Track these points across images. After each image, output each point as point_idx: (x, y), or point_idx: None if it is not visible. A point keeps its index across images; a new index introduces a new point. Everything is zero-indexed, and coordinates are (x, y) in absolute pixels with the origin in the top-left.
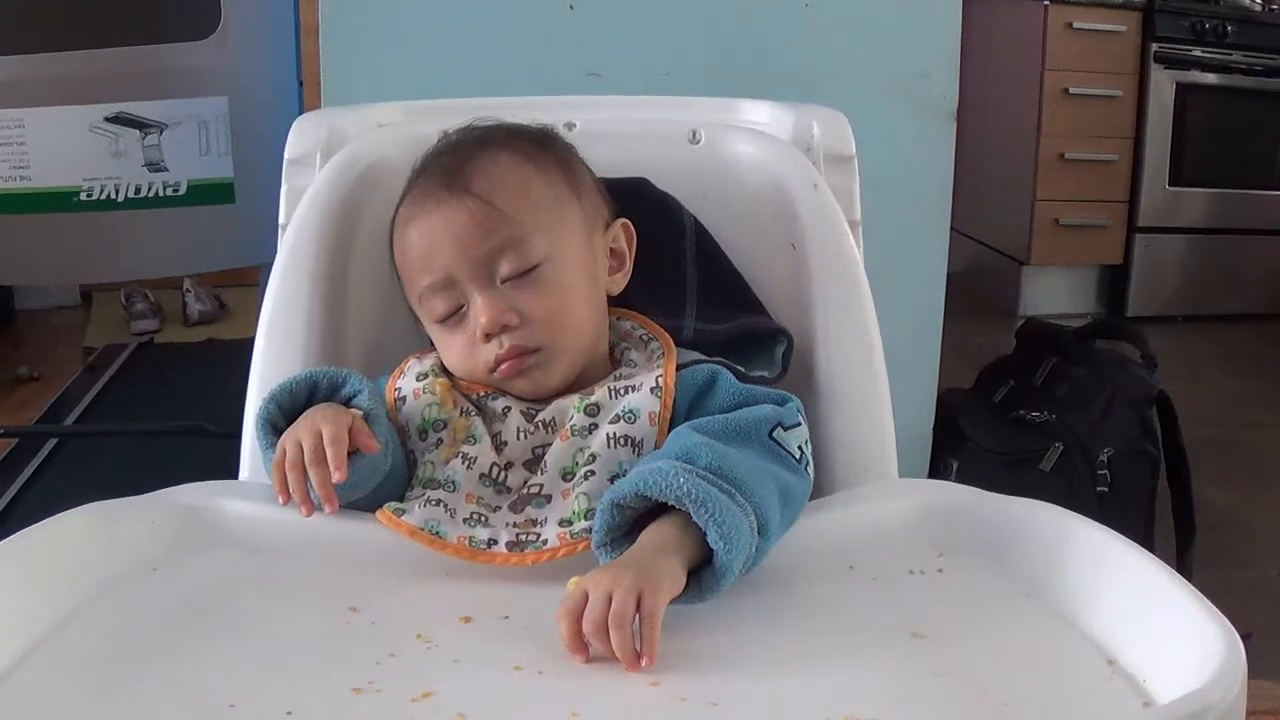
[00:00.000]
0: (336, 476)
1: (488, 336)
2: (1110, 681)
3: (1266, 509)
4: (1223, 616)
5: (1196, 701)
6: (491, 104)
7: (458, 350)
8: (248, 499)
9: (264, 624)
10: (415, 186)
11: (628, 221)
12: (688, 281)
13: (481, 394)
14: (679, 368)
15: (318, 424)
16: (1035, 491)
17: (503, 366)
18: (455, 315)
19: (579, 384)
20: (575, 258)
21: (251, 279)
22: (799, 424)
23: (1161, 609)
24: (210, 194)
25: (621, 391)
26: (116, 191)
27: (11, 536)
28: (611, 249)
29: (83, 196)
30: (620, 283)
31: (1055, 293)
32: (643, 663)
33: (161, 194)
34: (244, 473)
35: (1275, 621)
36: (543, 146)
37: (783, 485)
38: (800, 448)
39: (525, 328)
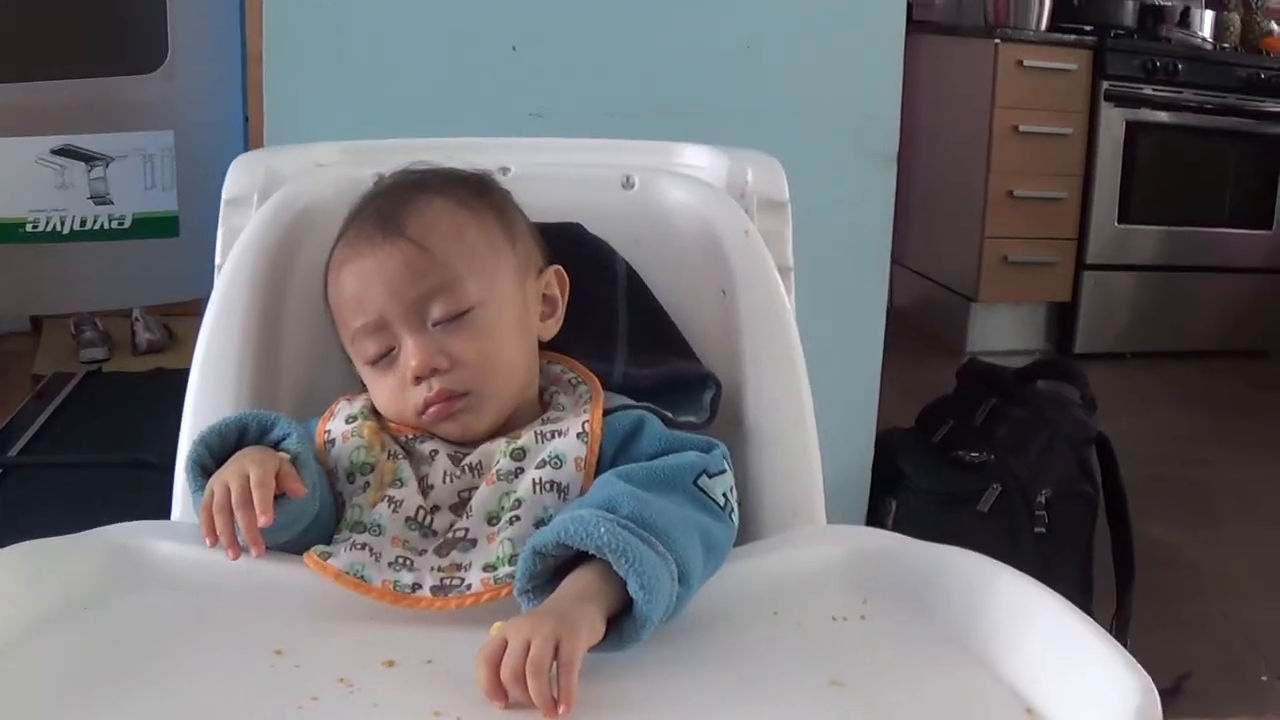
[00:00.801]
0: (262, 520)
1: (417, 379)
2: None
3: (1211, 546)
4: (1139, 667)
5: None
6: (429, 144)
7: (387, 392)
8: (178, 540)
9: (189, 666)
10: (350, 229)
11: (560, 268)
12: (619, 326)
13: (410, 436)
14: (607, 412)
15: (245, 467)
16: (973, 533)
17: (432, 409)
18: (386, 357)
19: (508, 427)
20: (507, 303)
21: (199, 309)
22: (724, 471)
23: (1080, 658)
24: (155, 227)
25: (548, 436)
26: (62, 223)
27: None
28: (544, 295)
29: (29, 228)
30: (552, 329)
31: (1004, 329)
32: (560, 710)
33: (107, 227)
34: (176, 512)
35: (1216, 659)
36: (479, 192)
37: (706, 533)
38: (725, 495)
39: (455, 371)
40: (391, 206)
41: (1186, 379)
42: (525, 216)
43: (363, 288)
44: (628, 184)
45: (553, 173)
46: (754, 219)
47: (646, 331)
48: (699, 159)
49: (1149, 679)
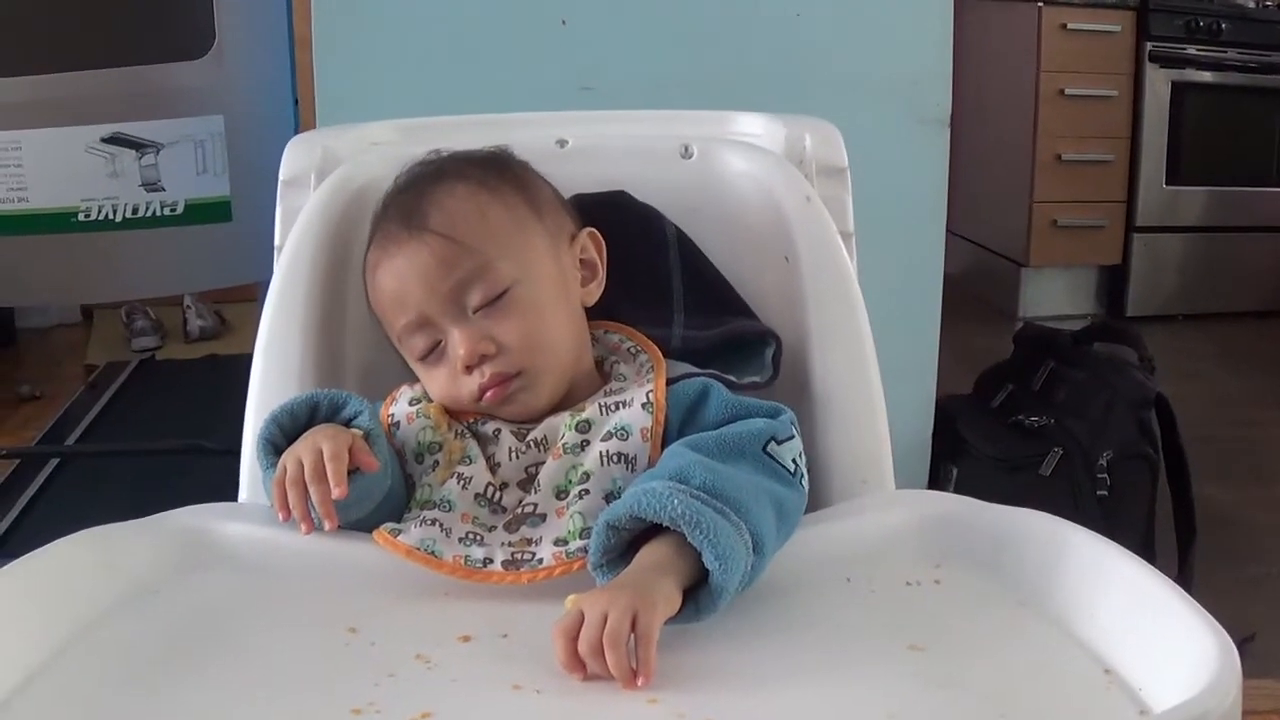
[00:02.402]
0: (336, 493)
1: (468, 369)
2: (1107, 691)
3: (1268, 507)
4: (1218, 624)
5: (1192, 709)
6: (483, 120)
7: (442, 384)
8: (247, 520)
9: (263, 646)
10: (378, 230)
11: (594, 230)
12: (673, 290)
13: (472, 420)
14: (670, 381)
15: (318, 442)
16: (1036, 496)
17: (488, 395)
18: (435, 351)
19: (569, 400)
20: (544, 276)
21: (252, 294)
22: (792, 437)
23: (1157, 617)
24: (208, 213)
25: (612, 407)
26: (114, 212)
27: (11, 563)
28: (581, 260)
29: (81, 217)
30: (595, 293)
31: (1055, 294)
32: (639, 682)
33: (159, 214)
34: (243, 494)
35: (1278, 620)
36: (497, 171)
37: (778, 500)
38: (795, 461)
39: (503, 355)
40: (412, 201)
41: (1238, 340)
42: (550, 185)
43: (399, 286)
44: (686, 154)
45: (610, 144)
46: (813, 185)
47: (701, 292)
48: (755, 127)
49: (1229, 638)
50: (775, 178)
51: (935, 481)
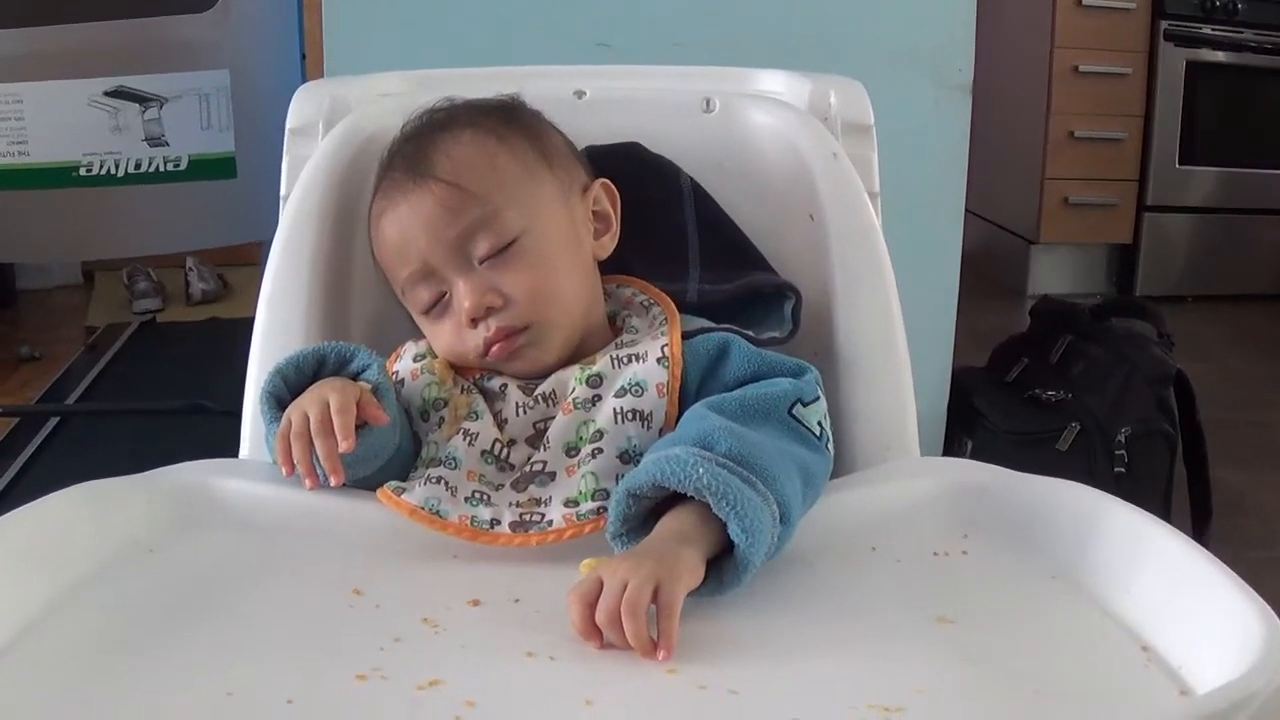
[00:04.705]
0: (343, 446)
1: (474, 321)
2: (1145, 668)
3: (1279, 489)
4: (1264, 602)
5: (1238, 690)
6: (497, 73)
7: (446, 338)
8: (247, 477)
9: (264, 607)
10: (384, 179)
11: (608, 182)
12: (689, 243)
13: (478, 376)
14: (686, 336)
15: (325, 394)
16: (1053, 471)
17: (494, 349)
18: (440, 303)
19: (579, 356)
20: (553, 227)
21: (254, 257)
22: (818, 398)
23: (1198, 593)
24: (212, 169)
25: (625, 360)
26: (116, 167)
27: (3, 516)
28: (594, 212)
29: (82, 172)
30: (608, 245)
31: (1064, 272)
32: (660, 655)
33: (162, 169)
34: (244, 450)
35: None
36: (507, 120)
37: (804, 466)
38: (820, 423)
39: (510, 307)
40: (418, 149)
41: (1248, 322)
42: (562, 135)
43: (403, 235)
44: (708, 107)
45: (630, 96)
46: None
47: (718, 246)
48: (778, 84)
49: (1272, 612)
50: (800, 133)
51: (950, 454)
